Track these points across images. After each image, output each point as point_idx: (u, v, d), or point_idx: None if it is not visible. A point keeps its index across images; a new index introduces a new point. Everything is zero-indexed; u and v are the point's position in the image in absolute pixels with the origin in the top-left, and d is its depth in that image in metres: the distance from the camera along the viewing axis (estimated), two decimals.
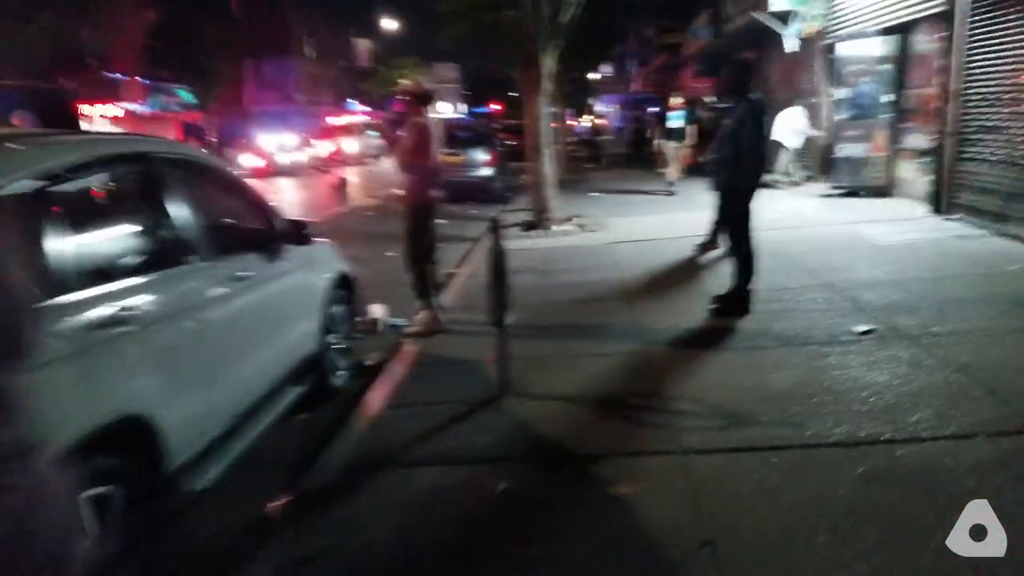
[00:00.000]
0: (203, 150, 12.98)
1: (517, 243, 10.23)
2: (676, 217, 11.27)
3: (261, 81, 44.78)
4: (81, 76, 27.64)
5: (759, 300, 5.95)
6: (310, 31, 47.90)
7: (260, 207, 4.51)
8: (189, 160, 4.05)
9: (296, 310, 4.64)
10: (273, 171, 27.07)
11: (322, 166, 29.40)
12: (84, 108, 27.51)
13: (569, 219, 11.64)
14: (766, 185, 7.62)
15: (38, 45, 18.74)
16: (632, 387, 4.70)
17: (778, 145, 13.87)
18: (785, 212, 10.62)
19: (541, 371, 5.04)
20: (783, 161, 14.19)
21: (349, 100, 51.42)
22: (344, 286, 5.43)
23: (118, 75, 28.35)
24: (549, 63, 10.97)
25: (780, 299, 6.23)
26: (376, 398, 4.80)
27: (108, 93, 28.42)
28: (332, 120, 37.64)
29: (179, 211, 3.49)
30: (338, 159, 32.19)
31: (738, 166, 5.63)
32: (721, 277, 6.64)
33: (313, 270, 4.97)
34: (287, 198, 19.62)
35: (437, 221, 6.35)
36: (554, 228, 11.13)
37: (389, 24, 44.13)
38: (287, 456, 4.07)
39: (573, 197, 14.10)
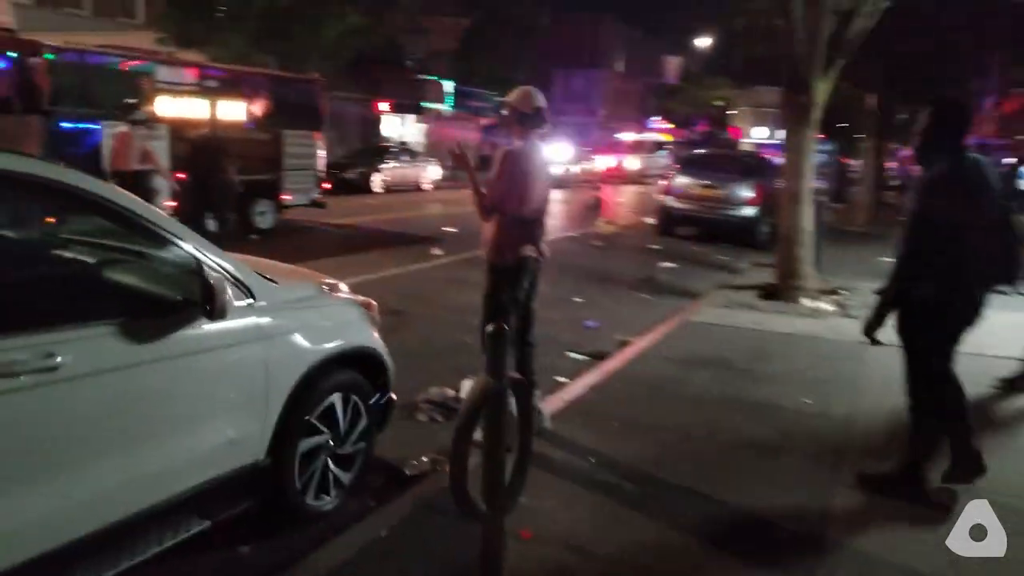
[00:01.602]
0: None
1: (737, 315, 7.71)
2: (1009, 319, 6.45)
3: (567, 92, 45.20)
4: (395, 75, 29.63)
5: None
6: (621, 45, 47.19)
7: (177, 247, 2.89)
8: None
9: (209, 404, 2.97)
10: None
11: (594, 181, 28.20)
12: (385, 106, 29.54)
13: (831, 291, 8.70)
14: None
15: (343, 44, 19.74)
16: None
17: None
18: None
19: None
20: None
21: (652, 117, 49.89)
22: (360, 365, 3.69)
23: (428, 77, 29.82)
24: (822, 88, 8.19)
25: None
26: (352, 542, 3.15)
27: (418, 94, 30.14)
28: (622, 136, 36.30)
29: None
30: (615, 175, 30.76)
31: None
32: None
33: (284, 343, 3.26)
34: None
35: (527, 285, 4.32)
36: (802, 301, 8.29)
37: (703, 42, 41.62)
38: None
39: (854, 257, 10.90)
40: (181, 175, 9.22)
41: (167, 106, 9.54)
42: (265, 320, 3.15)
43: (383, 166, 21.44)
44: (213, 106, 10.14)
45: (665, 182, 14.90)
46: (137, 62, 9.33)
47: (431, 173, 23.44)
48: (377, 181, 21.24)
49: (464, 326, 4.29)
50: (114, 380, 2.56)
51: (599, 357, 6.22)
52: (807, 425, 4.72)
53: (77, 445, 2.49)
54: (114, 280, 2.85)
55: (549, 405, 4.77)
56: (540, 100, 4.15)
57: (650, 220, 15.70)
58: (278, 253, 10.29)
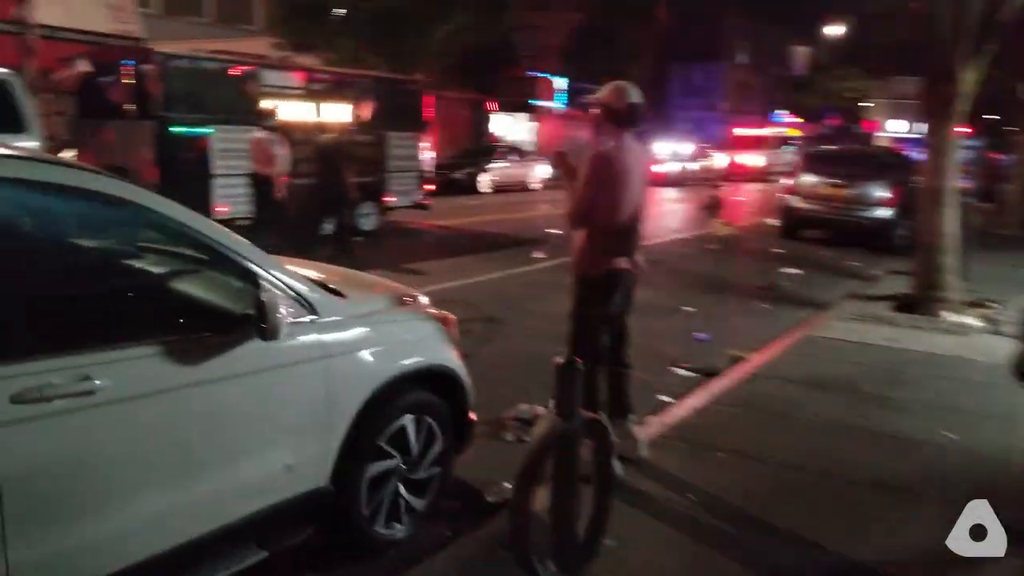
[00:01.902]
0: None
1: (868, 330, 6.97)
2: None
3: (686, 87, 43.78)
4: (505, 74, 29.57)
5: None
6: (744, 36, 45.21)
7: (231, 262, 2.70)
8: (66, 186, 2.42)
9: (262, 429, 2.77)
10: (661, 179, 25.59)
11: (713, 179, 27.02)
12: (495, 104, 29.51)
13: (978, 304, 7.75)
14: None
15: (452, 44, 19.80)
16: None
17: None
18: None
19: None
20: None
21: (778, 111, 47.54)
22: (435, 385, 3.42)
23: (539, 73, 29.58)
24: (969, 77, 7.25)
25: None
26: None
27: (529, 91, 29.98)
28: (746, 131, 34.67)
29: None
30: (736, 173, 29.41)
31: None
32: None
33: (349, 362, 3.04)
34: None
35: (625, 297, 3.92)
36: (944, 316, 7.40)
37: (834, 30, 39.12)
38: None
39: (1006, 265, 9.73)
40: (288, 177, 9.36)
41: (275, 108, 9.68)
42: (329, 337, 2.92)
43: (491, 166, 21.38)
44: (317, 109, 10.25)
45: (790, 180, 13.93)
46: (245, 67, 9.56)
47: (540, 172, 23.17)
48: (484, 181, 21.21)
49: (561, 336, 4.00)
50: (156, 404, 2.39)
51: (708, 374, 5.72)
52: (948, 465, 4.07)
53: (117, 472, 2.33)
54: (160, 296, 2.69)
55: (648, 429, 4.35)
56: (635, 95, 3.73)
57: (773, 221, 14.77)
58: (379, 256, 10.48)
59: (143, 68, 8.75)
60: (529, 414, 4.73)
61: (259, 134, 8.60)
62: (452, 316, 3.74)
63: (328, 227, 9.43)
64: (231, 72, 9.39)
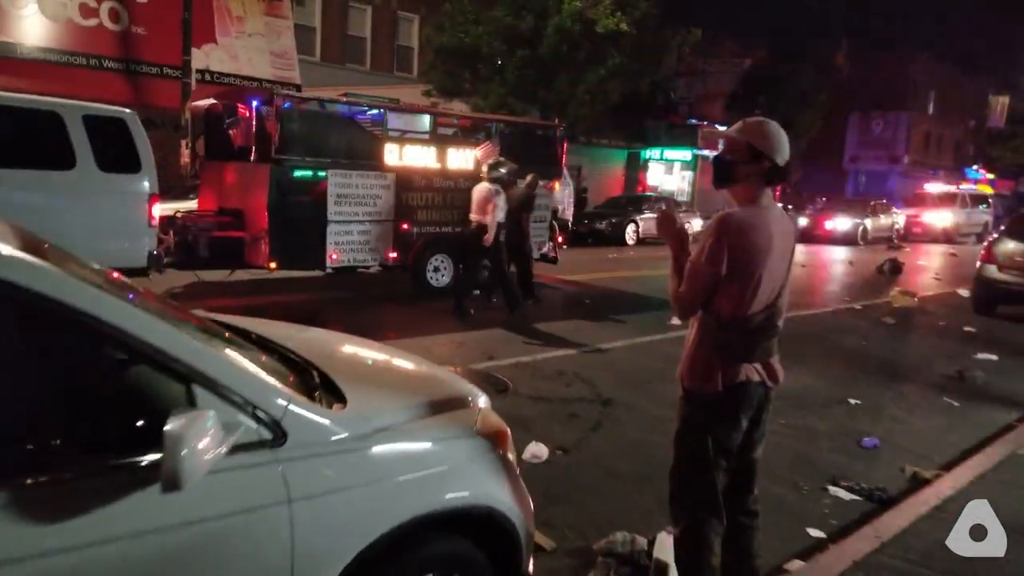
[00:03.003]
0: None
1: None
2: None
3: (864, 137, 40.58)
4: (663, 121, 28.53)
5: None
6: (932, 83, 41.35)
7: (159, 364, 1.89)
8: None
9: None
10: (826, 237, 23.29)
11: (894, 239, 24.23)
12: (650, 152, 28.44)
13: None
14: None
15: (604, 89, 19.04)
16: None
17: None
18: None
19: None
20: None
21: (971, 166, 42.90)
22: (474, 530, 2.47)
23: (697, 121, 28.27)
24: None
25: None
26: None
27: (687, 140, 28.67)
28: (931, 187, 31.20)
29: None
30: (921, 233, 26.30)
31: None
32: None
33: (331, 505, 2.12)
34: (805, 272, 16.00)
35: None
36: None
37: None
38: None
39: None
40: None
41: (396, 152, 9.28)
42: (297, 472, 2.03)
43: (638, 217, 20.29)
44: (443, 154, 9.73)
45: (986, 245, 11.77)
46: (369, 110, 9.21)
47: (693, 226, 21.76)
48: (630, 232, 20.15)
49: None
50: None
51: (879, 501, 4.34)
52: None
53: None
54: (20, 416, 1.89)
55: None
56: (782, 140, 2.65)
57: (964, 292, 12.56)
58: (490, 315, 9.61)
59: (263, 110, 8.60)
60: (627, 547, 3.61)
61: (487, 184, 8.73)
62: (506, 428, 2.75)
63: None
64: (351, 115, 9.07)
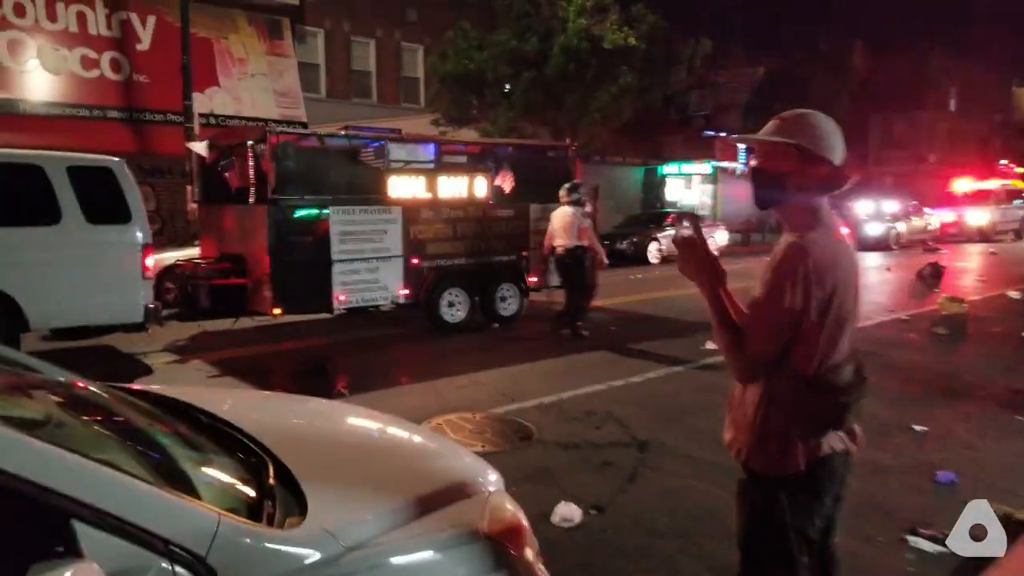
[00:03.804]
0: None
1: None
2: None
3: (887, 138, 39.68)
4: (679, 135, 28.02)
5: None
6: (953, 79, 40.40)
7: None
8: None
9: None
10: (857, 243, 22.45)
11: (928, 242, 23.32)
12: (667, 167, 27.88)
13: None
14: None
15: (617, 106, 18.59)
16: None
17: None
18: None
19: None
20: None
21: (1000, 161, 41.70)
22: None
23: (714, 132, 27.70)
24: None
25: None
26: None
27: (705, 153, 28.10)
28: (961, 184, 30.21)
29: None
30: (956, 234, 25.34)
31: None
32: None
33: None
34: None
35: None
36: None
37: None
38: None
39: None
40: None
41: (401, 184, 8.82)
42: None
43: (660, 234, 19.65)
44: (451, 183, 9.26)
45: None
46: (370, 142, 8.75)
47: (718, 239, 21.10)
48: (653, 251, 19.51)
49: (729, 481, 2.43)
50: None
51: (972, 557, 3.66)
52: None
53: None
54: None
55: None
56: (834, 132, 2.11)
57: (1014, 294, 11.77)
58: (511, 348, 9.06)
59: (257, 148, 8.18)
60: None
61: (568, 208, 8.88)
62: (521, 522, 2.19)
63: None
64: (352, 148, 8.61)
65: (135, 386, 2.51)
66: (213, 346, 8.50)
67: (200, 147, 9.04)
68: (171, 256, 10.23)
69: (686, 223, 2.16)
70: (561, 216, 8.94)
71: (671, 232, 20.17)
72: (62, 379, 2.17)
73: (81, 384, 2.17)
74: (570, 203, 8.93)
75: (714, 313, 2.08)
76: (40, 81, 14.40)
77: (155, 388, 2.49)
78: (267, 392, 3.26)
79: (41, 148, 7.20)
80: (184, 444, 1.95)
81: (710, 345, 8.60)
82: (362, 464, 2.28)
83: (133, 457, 1.82)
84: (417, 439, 2.70)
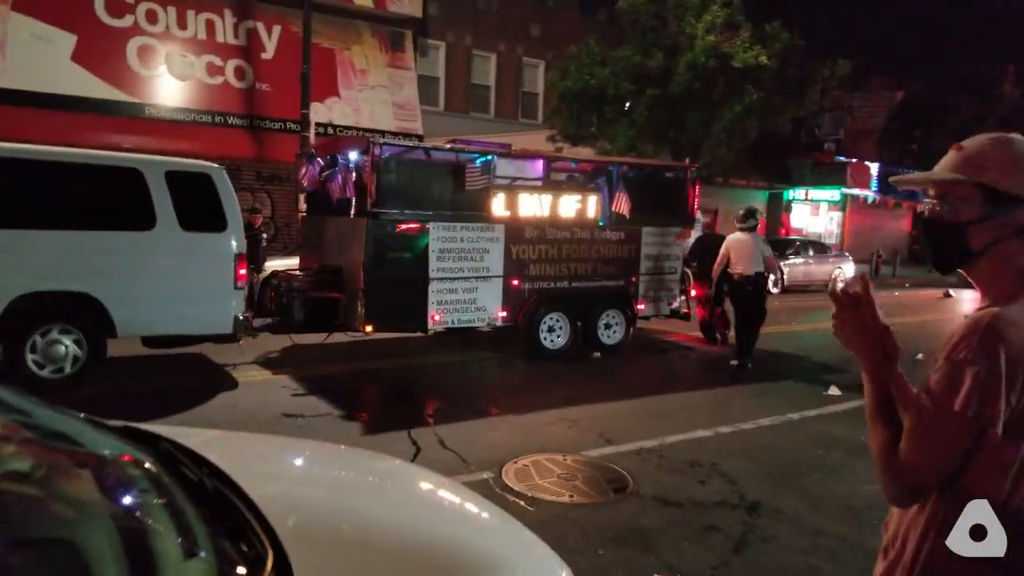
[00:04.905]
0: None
1: None
2: None
3: None
4: (807, 159, 26.50)
5: None
6: None
7: None
8: None
9: None
10: None
11: None
12: (793, 193, 26.34)
13: None
14: None
15: (741, 127, 17.62)
16: None
17: None
18: None
19: None
20: None
21: None
22: None
23: (845, 158, 25.98)
24: None
25: None
26: None
27: (835, 179, 26.43)
28: None
29: None
30: None
31: None
32: None
33: None
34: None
35: None
36: None
37: None
38: None
39: None
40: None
41: (505, 201, 8.41)
42: None
43: (783, 263, 18.40)
44: (558, 202, 8.76)
45: None
46: (477, 157, 8.36)
47: (845, 271, 19.58)
48: (771, 281, 18.29)
49: (856, 560, 1.82)
50: None
51: None
52: None
53: None
54: None
55: None
56: None
57: None
58: (614, 381, 8.20)
59: (360, 160, 7.99)
60: None
61: (740, 235, 8.82)
62: None
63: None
64: (457, 163, 8.24)
65: (152, 428, 2.16)
66: (304, 361, 8.33)
67: (305, 159, 9.03)
68: (277, 265, 10.28)
69: (851, 278, 1.59)
70: (739, 243, 8.76)
71: (794, 261, 18.90)
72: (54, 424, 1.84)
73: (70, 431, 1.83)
74: (745, 229, 8.80)
75: (871, 403, 1.52)
76: (167, 86, 15.05)
77: (169, 431, 2.14)
78: (321, 444, 2.85)
79: (163, 153, 7.18)
80: (168, 518, 1.56)
81: (835, 391, 7.72)
82: (384, 551, 1.80)
83: (102, 531, 1.45)
84: (463, 503, 2.22)
